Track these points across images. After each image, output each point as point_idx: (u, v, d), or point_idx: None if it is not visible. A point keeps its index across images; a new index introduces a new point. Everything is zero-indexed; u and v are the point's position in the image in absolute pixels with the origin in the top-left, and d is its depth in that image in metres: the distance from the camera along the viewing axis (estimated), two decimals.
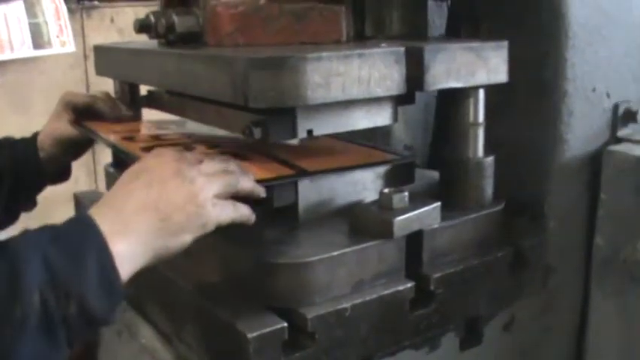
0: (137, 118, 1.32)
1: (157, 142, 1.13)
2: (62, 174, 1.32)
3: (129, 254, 0.76)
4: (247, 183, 0.88)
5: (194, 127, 1.27)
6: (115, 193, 0.82)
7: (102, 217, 0.76)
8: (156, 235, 0.78)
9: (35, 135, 1.28)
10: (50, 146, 1.25)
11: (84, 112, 1.27)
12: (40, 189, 1.30)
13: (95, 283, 0.71)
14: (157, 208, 0.79)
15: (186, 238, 0.81)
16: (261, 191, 0.89)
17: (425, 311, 0.95)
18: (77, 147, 1.27)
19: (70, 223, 0.76)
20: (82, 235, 0.74)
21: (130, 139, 1.14)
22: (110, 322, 0.75)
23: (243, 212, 0.86)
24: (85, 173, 2.95)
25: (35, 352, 0.69)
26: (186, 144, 1.12)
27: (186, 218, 0.80)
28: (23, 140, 1.28)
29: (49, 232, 0.74)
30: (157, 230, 0.78)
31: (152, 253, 0.79)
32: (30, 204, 1.30)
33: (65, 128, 1.24)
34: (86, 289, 0.71)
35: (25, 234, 0.73)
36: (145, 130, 1.25)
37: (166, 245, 0.80)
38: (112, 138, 1.14)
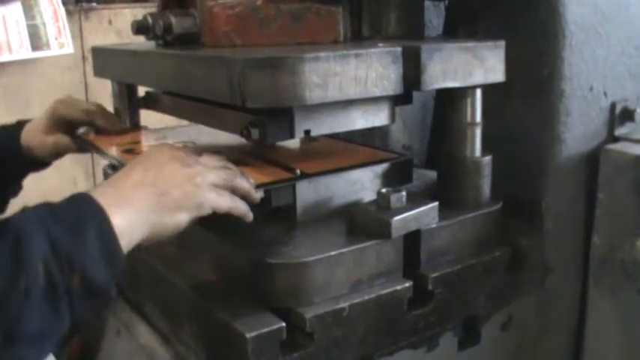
0: (136, 126, 1.32)
1: None
2: (44, 164, 1.30)
3: (127, 227, 0.76)
4: (244, 183, 0.88)
5: (194, 135, 1.27)
6: (114, 177, 0.84)
7: (100, 193, 0.77)
8: (153, 209, 0.80)
9: (19, 124, 1.26)
10: (39, 150, 1.24)
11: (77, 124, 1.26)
12: (24, 175, 1.29)
13: (97, 254, 0.72)
14: (155, 184, 0.81)
15: (183, 217, 0.82)
16: (256, 196, 0.89)
17: (423, 311, 0.95)
18: (66, 152, 1.28)
19: (68, 198, 0.77)
20: (80, 207, 0.75)
21: (131, 151, 1.14)
22: (112, 295, 0.75)
23: (240, 205, 0.87)
24: (83, 174, 2.96)
25: (40, 322, 0.69)
26: None
27: (183, 195, 0.81)
28: (5, 128, 1.27)
29: (48, 207, 0.74)
30: (154, 205, 0.80)
31: (149, 227, 0.79)
32: (17, 188, 1.29)
33: (61, 140, 1.23)
34: (88, 259, 0.71)
35: (25, 210, 0.74)
36: (145, 141, 1.24)
37: (163, 221, 0.80)
38: (114, 152, 1.14)
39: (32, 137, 1.25)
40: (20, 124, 1.27)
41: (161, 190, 0.80)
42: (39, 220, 0.71)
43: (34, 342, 0.70)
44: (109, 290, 0.74)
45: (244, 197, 0.88)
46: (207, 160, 0.88)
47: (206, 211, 0.84)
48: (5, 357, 0.69)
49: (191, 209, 0.82)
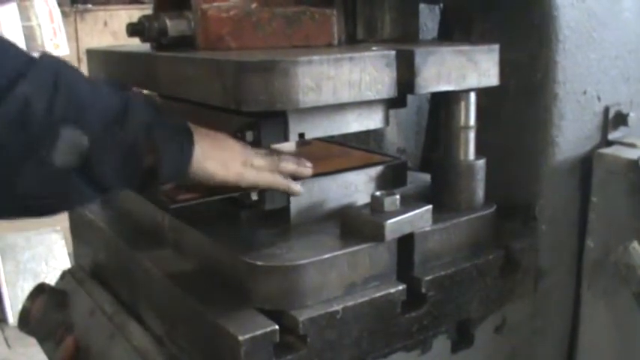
0: None
1: None
2: None
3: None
4: (288, 166, 0.94)
5: None
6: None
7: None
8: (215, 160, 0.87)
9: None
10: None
11: None
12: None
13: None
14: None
15: (227, 177, 0.89)
16: (295, 191, 0.96)
17: (416, 314, 0.95)
18: None
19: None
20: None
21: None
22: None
23: (280, 181, 0.93)
24: None
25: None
26: None
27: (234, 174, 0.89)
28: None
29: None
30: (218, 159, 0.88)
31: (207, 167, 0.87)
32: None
33: None
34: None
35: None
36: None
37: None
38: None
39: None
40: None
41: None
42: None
43: None
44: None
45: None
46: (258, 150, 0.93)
47: (245, 183, 0.90)
48: None
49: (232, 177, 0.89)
